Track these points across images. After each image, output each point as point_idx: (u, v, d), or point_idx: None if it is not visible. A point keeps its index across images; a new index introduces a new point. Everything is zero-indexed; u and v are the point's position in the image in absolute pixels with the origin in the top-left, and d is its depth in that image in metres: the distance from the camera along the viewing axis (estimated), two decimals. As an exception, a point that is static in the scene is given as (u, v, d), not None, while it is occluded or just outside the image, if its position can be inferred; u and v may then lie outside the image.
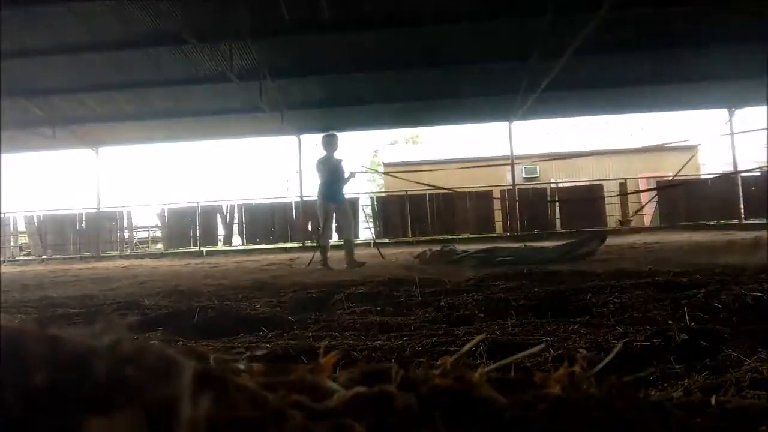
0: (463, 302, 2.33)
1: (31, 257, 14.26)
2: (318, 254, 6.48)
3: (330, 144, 6.47)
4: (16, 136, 12.31)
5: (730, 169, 13.84)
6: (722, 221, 13.03)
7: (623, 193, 14.02)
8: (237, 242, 14.47)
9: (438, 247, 6.42)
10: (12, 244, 14.70)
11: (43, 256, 13.98)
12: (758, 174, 13.89)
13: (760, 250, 4.95)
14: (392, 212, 13.87)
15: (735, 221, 12.97)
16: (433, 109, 12.98)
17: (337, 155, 6.57)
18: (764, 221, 11.52)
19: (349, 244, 6.48)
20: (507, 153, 13.81)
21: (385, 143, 38.62)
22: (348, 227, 6.75)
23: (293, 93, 11.44)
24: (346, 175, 6.56)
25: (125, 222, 14.65)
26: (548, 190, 13.96)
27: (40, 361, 0.30)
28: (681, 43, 9.59)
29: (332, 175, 6.37)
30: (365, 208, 15.07)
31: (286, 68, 10.21)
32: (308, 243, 13.62)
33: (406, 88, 11.54)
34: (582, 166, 19.96)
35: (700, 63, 10.52)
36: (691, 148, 22.03)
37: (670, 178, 14.92)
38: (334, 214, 6.58)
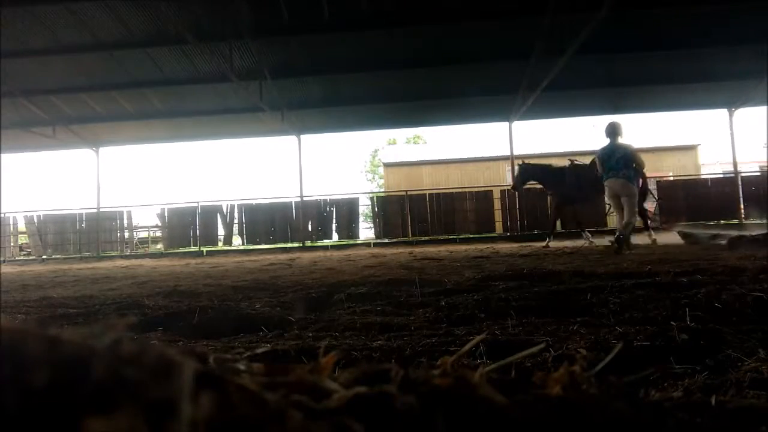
0: (463, 302, 2.32)
1: (31, 257, 14.26)
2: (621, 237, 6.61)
3: (618, 132, 6.89)
4: (16, 136, 12.31)
5: (730, 168, 13.85)
6: (722, 221, 13.03)
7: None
8: (237, 242, 14.47)
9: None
10: (12, 244, 14.70)
11: (43, 256, 13.98)
12: (758, 174, 13.90)
13: None
14: (392, 212, 13.86)
15: (735, 221, 12.97)
16: (433, 109, 12.98)
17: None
18: (764, 221, 11.52)
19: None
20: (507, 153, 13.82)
21: (384, 143, 38.69)
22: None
23: (293, 93, 11.44)
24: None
25: (125, 222, 14.65)
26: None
27: (39, 362, 0.30)
28: (681, 43, 9.60)
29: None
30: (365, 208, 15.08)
31: (286, 68, 10.21)
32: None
33: (406, 88, 11.54)
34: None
35: (700, 63, 10.53)
36: (691, 148, 22.01)
37: (671, 178, 14.93)
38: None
